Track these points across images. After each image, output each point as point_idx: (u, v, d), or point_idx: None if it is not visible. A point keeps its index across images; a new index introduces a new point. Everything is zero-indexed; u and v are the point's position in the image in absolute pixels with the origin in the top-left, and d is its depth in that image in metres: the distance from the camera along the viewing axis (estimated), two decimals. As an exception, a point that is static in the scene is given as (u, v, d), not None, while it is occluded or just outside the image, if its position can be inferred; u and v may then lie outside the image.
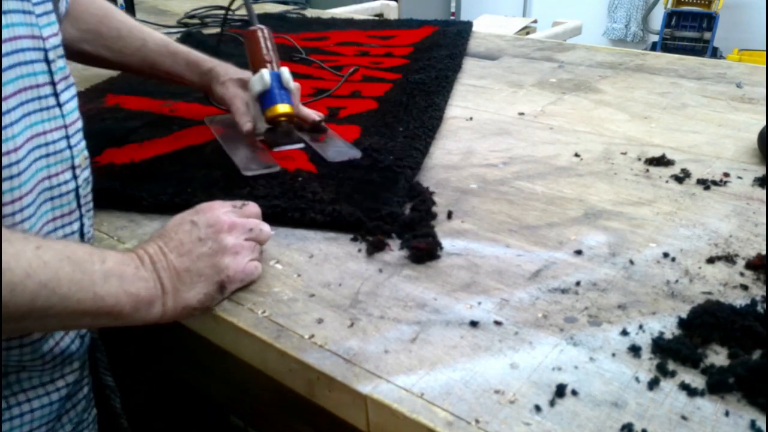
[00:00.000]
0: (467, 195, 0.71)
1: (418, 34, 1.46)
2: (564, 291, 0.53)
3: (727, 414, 0.40)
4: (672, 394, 0.42)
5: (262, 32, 0.82)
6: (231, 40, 1.43)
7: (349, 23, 1.62)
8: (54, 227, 0.54)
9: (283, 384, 0.49)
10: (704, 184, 0.72)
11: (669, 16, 3.70)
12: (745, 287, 0.53)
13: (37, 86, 0.51)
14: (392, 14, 2.14)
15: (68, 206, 0.55)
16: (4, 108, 0.46)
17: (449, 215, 0.66)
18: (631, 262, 0.57)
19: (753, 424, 0.40)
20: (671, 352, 0.45)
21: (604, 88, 1.08)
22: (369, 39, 1.44)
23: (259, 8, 1.82)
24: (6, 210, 0.47)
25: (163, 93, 1.04)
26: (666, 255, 0.58)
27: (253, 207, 0.59)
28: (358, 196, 0.68)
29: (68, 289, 0.43)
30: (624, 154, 0.81)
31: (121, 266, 0.48)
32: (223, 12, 1.69)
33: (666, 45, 3.69)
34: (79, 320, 0.47)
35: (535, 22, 2.90)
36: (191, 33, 1.41)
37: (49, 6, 0.53)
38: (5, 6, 0.47)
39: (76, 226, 0.57)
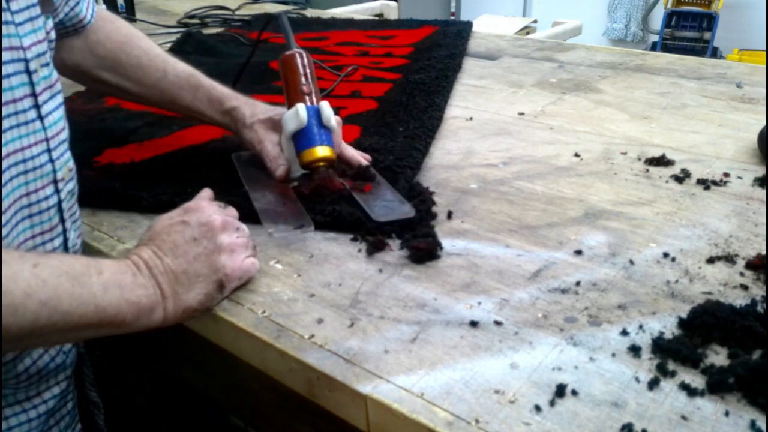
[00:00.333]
0: (467, 195, 0.71)
1: (418, 34, 1.46)
2: (564, 291, 0.53)
3: (727, 414, 0.40)
4: (672, 394, 0.42)
5: (301, 58, 0.71)
6: (231, 40, 1.43)
7: (349, 23, 1.62)
8: (34, 245, 0.52)
9: (283, 384, 0.49)
10: (704, 184, 0.72)
11: (669, 16, 3.70)
12: (745, 287, 0.53)
13: (14, 101, 0.48)
14: (392, 14, 2.14)
15: (49, 222, 0.53)
16: None
17: (449, 215, 0.66)
18: (631, 262, 0.57)
19: (753, 424, 0.40)
20: (671, 352, 0.45)
21: (604, 88, 1.08)
22: (369, 39, 1.44)
23: (259, 8, 1.82)
24: None
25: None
26: (666, 255, 0.58)
27: (233, 210, 0.59)
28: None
29: (69, 305, 0.43)
30: (624, 154, 0.81)
31: (118, 275, 0.47)
32: (222, 12, 1.70)
33: (666, 45, 3.69)
34: (82, 333, 0.46)
35: (535, 22, 2.90)
36: (191, 33, 1.40)
37: (35, 11, 0.51)
38: None
39: (58, 241, 0.55)
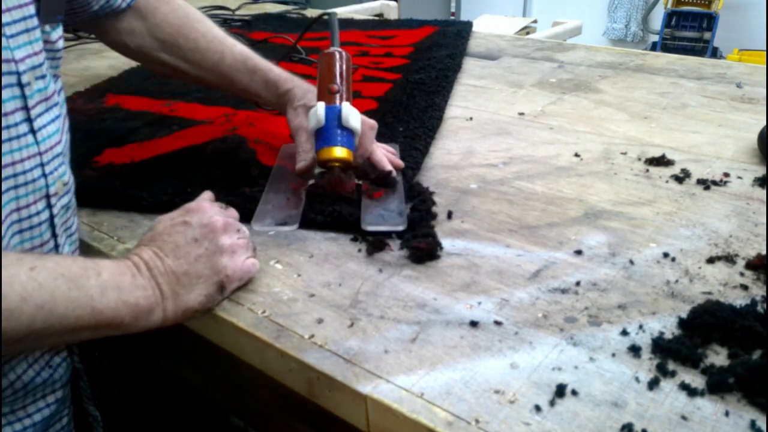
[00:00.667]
0: (467, 195, 0.71)
1: (418, 34, 1.46)
2: (564, 291, 0.53)
3: (727, 414, 0.40)
4: (672, 394, 0.42)
5: (340, 57, 0.70)
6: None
7: (349, 23, 1.62)
8: None
9: (283, 384, 0.49)
10: (704, 184, 0.72)
11: (669, 16, 3.70)
12: (745, 287, 0.53)
13: (5, 115, 0.47)
14: (392, 14, 2.14)
15: (40, 238, 0.52)
16: None
17: (449, 215, 0.66)
18: (631, 262, 0.57)
19: (753, 424, 0.40)
20: (671, 352, 0.45)
21: (604, 88, 1.08)
22: (369, 39, 1.44)
23: (259, 8, 1.82)
24: None
25: (163, 93, 1.04)
26: (666, 255, 0.58)
27: (233, 211, 0.59)
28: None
29: (65, 308, 0.42)
30: (624, 154, 0.81)
31: (117, 277, 0.47)
32: (222, 12, 1.70)
33: (666, 45, 3.69)
34: (79, 335, 0.46)
35: (535, 22, 2.90)
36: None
37: (32, 22, 0.50)
38: None
39: None
